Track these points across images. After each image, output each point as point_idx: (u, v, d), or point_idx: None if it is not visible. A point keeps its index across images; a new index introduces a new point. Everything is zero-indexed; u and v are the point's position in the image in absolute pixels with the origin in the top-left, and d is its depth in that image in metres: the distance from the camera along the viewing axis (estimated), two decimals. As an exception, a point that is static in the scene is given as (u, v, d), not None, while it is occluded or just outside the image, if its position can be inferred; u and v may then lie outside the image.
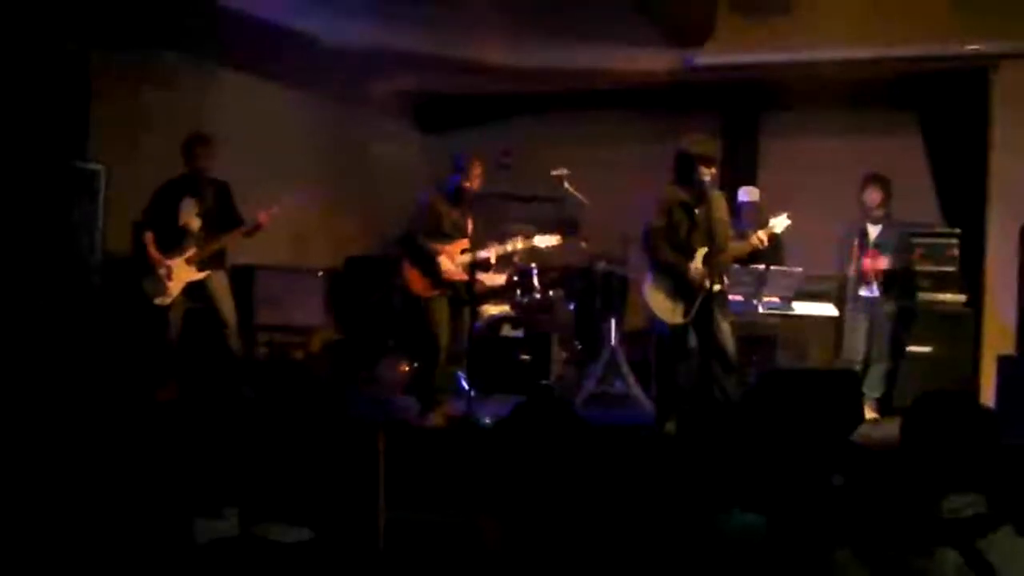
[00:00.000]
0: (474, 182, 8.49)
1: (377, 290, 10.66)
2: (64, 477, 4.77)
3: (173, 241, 8.76)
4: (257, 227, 8.91)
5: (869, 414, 8.96)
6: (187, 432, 5.64)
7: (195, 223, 8.78)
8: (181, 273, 8.72)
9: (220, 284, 8.92)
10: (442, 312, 8.49)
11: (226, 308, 8.91)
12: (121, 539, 3.71)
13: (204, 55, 10.28)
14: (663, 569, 3.27)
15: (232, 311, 8.95)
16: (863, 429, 7.18)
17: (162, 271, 8.67)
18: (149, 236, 8.74)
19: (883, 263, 9.24)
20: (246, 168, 9.20)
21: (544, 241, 8.89)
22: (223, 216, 8.89)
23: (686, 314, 7.98)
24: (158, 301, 8.68)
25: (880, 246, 9.30)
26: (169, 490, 4.17)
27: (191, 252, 8.73)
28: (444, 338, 8.49)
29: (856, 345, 9.35)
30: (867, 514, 3.60)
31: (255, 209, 8.96)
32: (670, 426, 7.74)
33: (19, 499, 4.44)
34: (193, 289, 8.78)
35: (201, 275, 8.76)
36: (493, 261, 8.80)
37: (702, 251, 7.95)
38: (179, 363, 8.75)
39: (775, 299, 9.49)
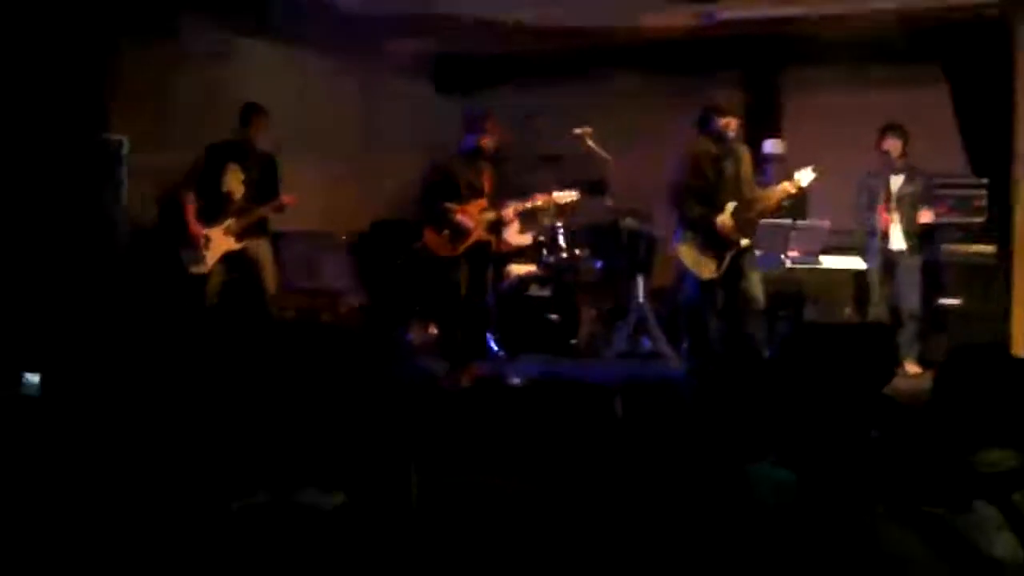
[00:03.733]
0: (491, 139, 8.41)
1: (402, 253, 10.64)
2: (97, 452, 4.77)
3: (214, 208, 8.69)
4: (281, 207, 8.86)
5: (912, 368, 8.93)
6: (220, 401, 5.64)
7: (239, 190, 8.70)
8: (219, 243, 8.66)
9: (263, 252, 8.87)
10: (464, 274, 8.44)
11: (268, 275, 8.86)
12: (154, 510, 3.72)
13: (228, 25, 10.25)
14: (695, 524, 3.25)
15: (274, 278, 8.92)
16: (894, 383, 7.16)
17: (200, 240, 8.61)
18: (189, 202, 8.67)
19: (909, 217, 9.13)
20: (270, 135, 9.16)
21: (563, 197, 8.85)
22: (266, 187, 8.82)
23: (717, 268, 7.97)
24: (194, 270, 8.63)
25: (904, 197, 9.20)
26: (203, 469, 4.17)
27: (230, 222, 8.67)
28: (465, 300, 8.45)
29: (882, 300, 9.27)
30: (900, 470, 3.58)
31: (285, 178, 8.93)
32: (702, 382, 7.72)
33: (51, 476, 4.45)
34: (230, 259, 8.73)
35: (238, 246, 8.70)
36: (511, 218, 8.77)
37: (731, 205, 7.93)
38: (215, 331, 8.72)
39: (802, 253, 9.43)
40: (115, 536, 3.81)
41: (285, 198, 8.81)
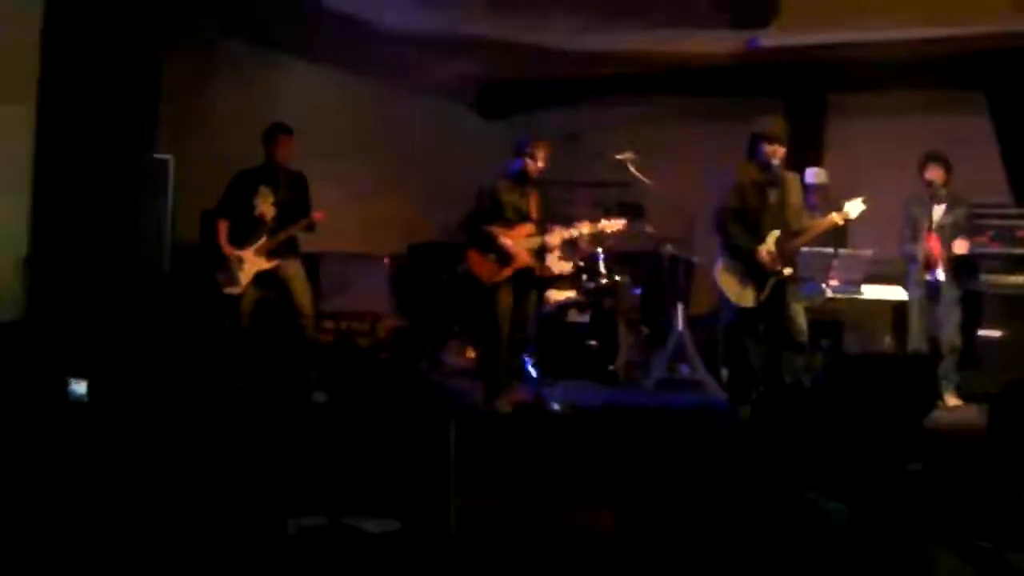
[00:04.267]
0: (538, 165, 8.40)
1: (441, 276, 10.65)
2: (136, 471, 4.79)
3: (246, 230, 8.74)
4: (312, 224, 8.89)
5: (952, 401, 8.86)
6: (261, 426, 5.66)
7: (270, 212, 8.73)
8: (252, 263, 8.71)
9: (296, 272, 8.89)
10: (507, 299, 8.41)
11: (301, 296, 8.86)
12: (212, 531, 3.74)
13: (271, 45, 10.33)
14: (763, 551, 3.24)
15: (309, 299, 8.93)
16: (935, 415, 7.11)
17: (233, 261, 8.67)
18: (222, 226, 8.74)
19: (948, 247, 9.07)
20: (312, 157, 9.20)
21: (610, 226, 8.83)
22: (297, 207, 8.85)
23: (757, 297, 7.95)
24: (228, 290, 8.68)
25: (944, 227, 9.14)
26: (259, 489, 4.18)
27: (262, 242, 8.72)
28: (506, 325, 8.42)
29: (921, 331, 9.20)
30: (954, 504, 3.56)
31: (323, 198, 8.96)
32: (744, 411, 7.69)
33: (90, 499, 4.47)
34: (264, 278, 8.78)
35: (270, 264, 8.74)
36: (557, 245, 8.75)
37: (774, 233, 7.91)
38: (248, 353, 8.76)
39: (843, 283, 9.38)
40: (167, 552, 3.83)
41: (316, 215, 8.84)
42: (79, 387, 6.39)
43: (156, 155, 9.14)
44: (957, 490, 4.10)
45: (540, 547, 3.63)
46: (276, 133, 8.84)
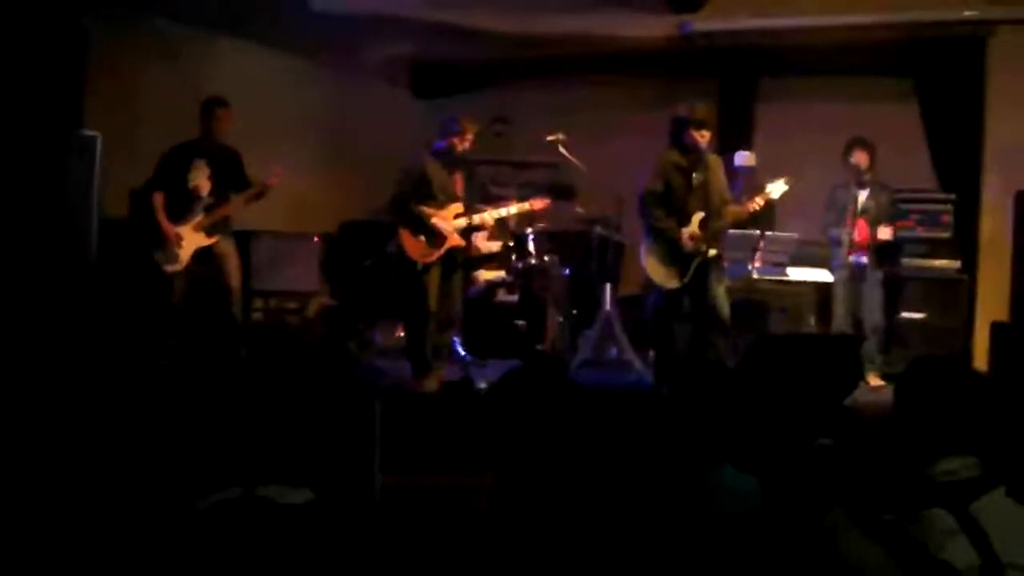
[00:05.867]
0: (464, 144, 8.40)
1: (371, 255, 10.63)
2: (60, 450, 4.78)
3: (181, 206, 8.70)
4: (262, 192, 8.86)
5: (874, 381, 9.01)
6: (186, 399, 5.66)
7: (205, 187, 8.70)
8: (190, 239, 8.67)
9: (228, 250, 8.88)
10: (436, 279, 8.41)
11: (232, 274, 8.87)
12: (121, 510, 3.74)
13: (203, 22, 10.26)
14: (656, 529, 3.29)
15: (238, 278, 8.93)
16: (855, 394, 7.24)
17: (172, 238, 8.62)
18: (159, 201, 8.67)
19: (874, 231, 9.19)
20: (243, 136, 9.16)
21: (537, 204, 8.87)
22: (233, 182, 8.84)
23: (681, 279, 8.03)
24: (169, 269, 8.64)
25: (867, 211, 9.26)
26: (170, 464, 4.19)
27: (200, 218, 8.69)
28: (435, 305, 8.42)
29: (846, 312, 9.33)
30: (860, 477, 3.64)
31: (254, 177, 8.93)
32: (665, 389, 7.77)
33: (14, 473, 4.45)
34: (201, 255, 8.75)
35: (210, 241, 8.71)
36: (488, 225, 8.77)
37: (698, 216, 7.99)
38: (182, 328, 8.74)
39: (769, 264, 9.49)
40: (76, 534, 3.82)
41: (270, 180, 8.81)
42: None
43: (83, 131, 9.05)
44: (866, 465, 4.19)
45: (453, 524, 3.66)
46: (214, 107, 8.79)
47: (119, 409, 5.50)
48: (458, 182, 8.48)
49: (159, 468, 4.27)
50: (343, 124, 11.99)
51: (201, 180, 8.69)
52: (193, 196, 8.69)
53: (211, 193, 8.72)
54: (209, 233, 8.72)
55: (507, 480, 3.26)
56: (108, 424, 5.09)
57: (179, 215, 8.68)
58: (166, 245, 8.62)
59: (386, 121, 12.09)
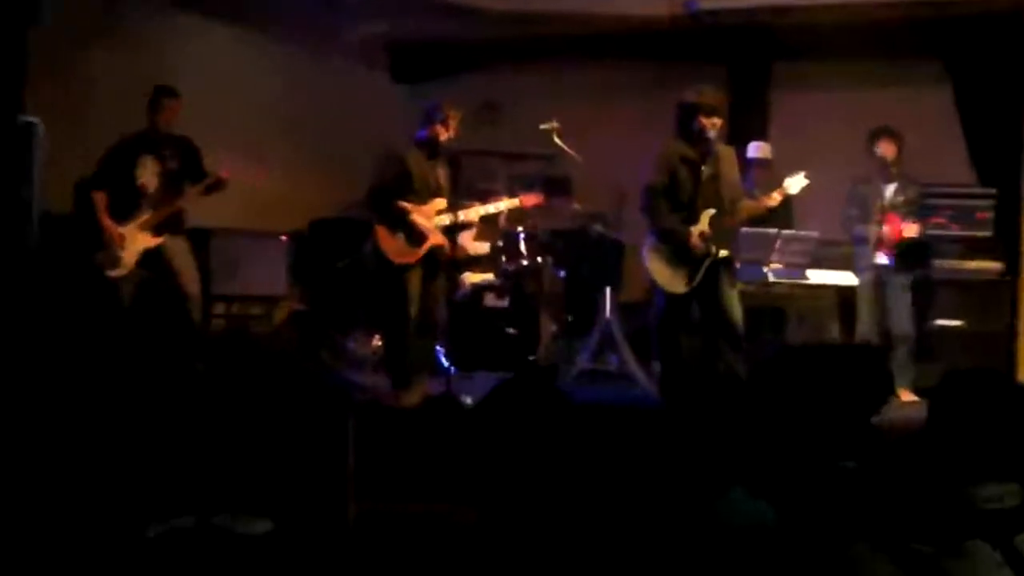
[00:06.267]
0: (448, 133, 8.33)
1: (345, 255, 10.58)
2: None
3: (127, 204, 8.66)
4: (218, 183, 8.81)
5: (905, 396, 8.95)
6: (135, 415, 5.61)
7: (153, 183, 8.68)
8: (135, 240, 8.63)
9: (180, 251, 8.84)
10: (416, 282, 8.34)
11: (188, 277, 8.83)
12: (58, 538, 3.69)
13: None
14: (658, 557, 3.25)
15: (195, 281, 8.89)
16: (883, 411, 7.19)
17: (114, 239, 8.57)
18: (100, 199, 8.63)
19: (901, 229, 9.14)
20: (203, 124, 9.12)
21: (530, 200, 8.82)
22: (190, 175, 8.80)
23: (689, 282, 7.97)
24: (112, 273, 8.60)
25: (895, 207, 9.21)
26: (117, 487, 4.14)
27: (146, 216, 8.65)
28: (415, 311, 8.36)
29: (872, 319, 9.28)
30: (889, 504, 3.58)
31: (215, 171, 8.88)
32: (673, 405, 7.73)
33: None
34: (149, 257, 8.69)
35: (156, 241, 8.68)
36: (473, 223, 8.73)
37: (708, 213, 7.93)
38: (131, 338, 8.68)
39: (786, 266, 9.44)
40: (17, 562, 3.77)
41: (223, 173, 8.76)
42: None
43: (24, 117, 8.97)
44: (896, 490, 4.14)
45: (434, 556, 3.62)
46: (160, 97, 8.77)
47: (59, 425, 5.45)
48: (441, 175, 8.40)
49: (103, 492, 4.22)
50: (314, 111, 11.93)
51: (148, 177, 8.68)
52: (140, 194, 8.66)
53: (160, 190, 8.69)
54: (156, 232, 8.67)
55: (495, 508, 3.22)
56: (46, 442, 5.04)
57: (124, 214, 8.63)
58: (108, 247, 8.58)
59: (362, 107, 12.07)
